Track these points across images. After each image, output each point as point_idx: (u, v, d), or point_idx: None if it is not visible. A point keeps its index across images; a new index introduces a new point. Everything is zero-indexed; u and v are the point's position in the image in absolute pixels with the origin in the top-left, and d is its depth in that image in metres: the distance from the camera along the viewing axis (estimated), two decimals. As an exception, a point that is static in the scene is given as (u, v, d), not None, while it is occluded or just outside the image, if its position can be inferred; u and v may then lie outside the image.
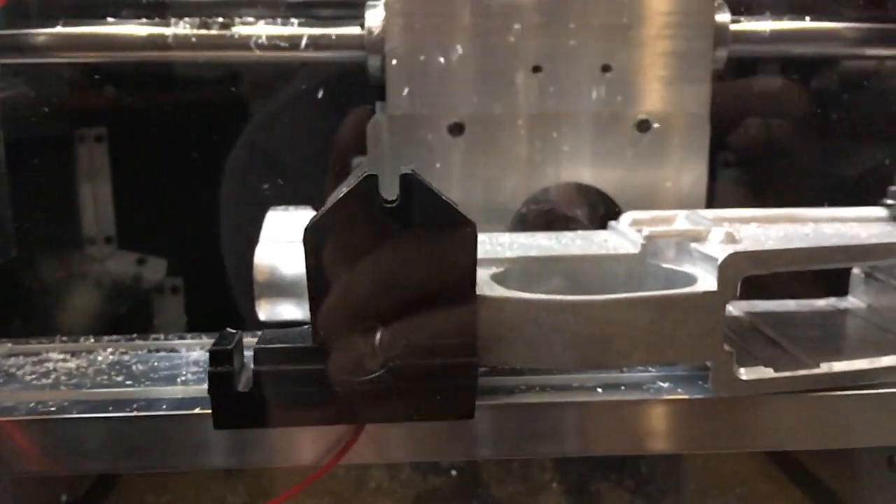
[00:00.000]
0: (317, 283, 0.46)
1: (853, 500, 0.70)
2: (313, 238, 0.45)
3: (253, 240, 0.54)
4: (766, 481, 0.79)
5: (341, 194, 0.45)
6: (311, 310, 0.46)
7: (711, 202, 0.71)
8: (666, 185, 0.70)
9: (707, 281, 0.50)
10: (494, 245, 0.59)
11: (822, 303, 0.67)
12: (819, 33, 0.74)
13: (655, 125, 0.68)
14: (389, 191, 0.45)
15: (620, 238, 0.60)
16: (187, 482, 0.81)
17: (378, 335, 0.46)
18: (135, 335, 0.63)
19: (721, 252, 0.50)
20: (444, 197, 0.45)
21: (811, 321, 0.63)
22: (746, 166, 0.92)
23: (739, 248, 0.50)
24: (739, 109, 0.86)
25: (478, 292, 0.47)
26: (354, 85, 0.74)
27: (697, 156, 0.69)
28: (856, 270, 0.67)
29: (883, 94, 0.84)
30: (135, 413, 0.49)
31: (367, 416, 0.48)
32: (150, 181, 0.94)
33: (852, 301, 0.67)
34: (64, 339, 0.62)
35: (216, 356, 0.46)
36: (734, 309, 0.65)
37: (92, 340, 0.62)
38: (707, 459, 0.84)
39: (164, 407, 0.50)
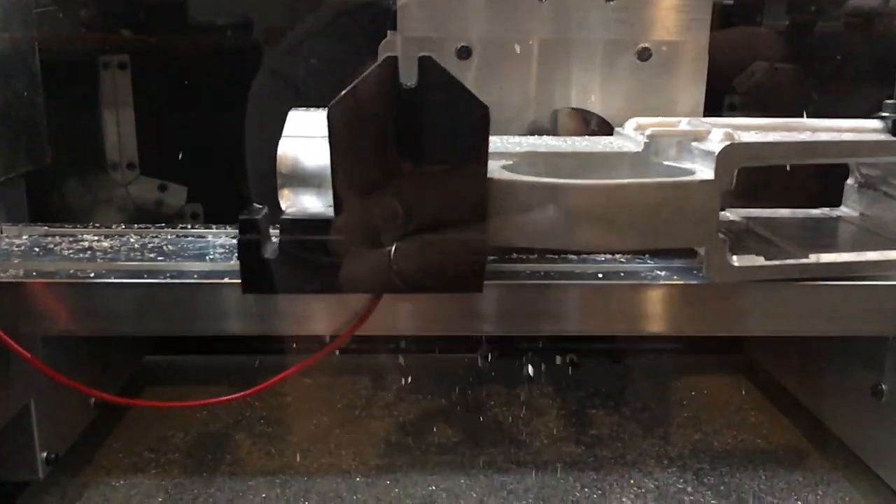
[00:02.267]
0: (339, 159, 0.49)
1: (839, 429, 0.74)
2: (336, 115, 0.48)
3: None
4: (756, 411, 0.83)
5: (362, 76, 0.48)
6: (333, 184, 0.50)
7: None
8: (665, 112, 0.71)
9: (705, 172, 0.53)
10: (505, 143, 0.62)
11: (816, 211, 0.70)
12: None
13: (656, 53, 0.70)
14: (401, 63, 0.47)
15: (624, 140, 0.63)
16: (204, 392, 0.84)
17: (394, 210, 0.50)
18: (164, 224, 0.67)
19: (719, 146, 0.53)
20: (460, 81, 0.48)
21: (804, 225, 0.67)
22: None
23: (736, 141, 0.53)
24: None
25: (488, 175, 0.51)
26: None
27: (696, 85, 0.71)
28: (849, 181, 0.70)
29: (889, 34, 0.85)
30: (168, 280, 0.53)
31: (384, 287, 0.52)
32: (172, 109, 0.97)
33: (845, 210, 0.70)
34: (97, 225, 0.66)
35: (245, 225, 0.50)
36: (731, 214, 0.69)
37: (123, 226, 0.66)
38: (700, 389, 0.88)
39: (196, 276, 0.54)
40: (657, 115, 0.65)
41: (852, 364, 0.70)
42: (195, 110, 0.95)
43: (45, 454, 0.64)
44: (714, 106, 0.72)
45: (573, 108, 0.73)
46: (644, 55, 0.70)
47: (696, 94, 0.68)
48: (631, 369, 0.94)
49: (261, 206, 0.52)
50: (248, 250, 0.50)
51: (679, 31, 0.69)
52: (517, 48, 0.69)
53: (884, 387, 0.66)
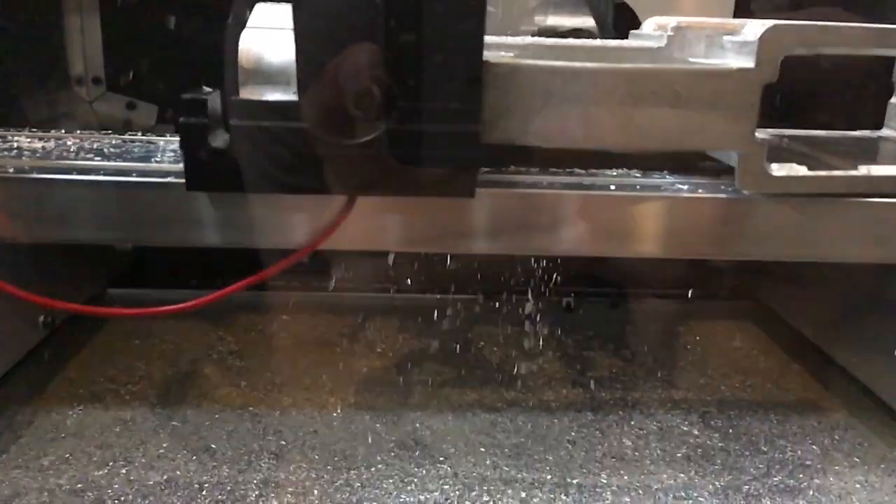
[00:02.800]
0: (303, 30, 0.40)
1: (858, 371, 0.67)
2: (302, -27, 0.39)
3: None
4: (766, 356, 0.76)
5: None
6: (296, 60, 0.41)
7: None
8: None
9: (743, 62, 0.45)
10: (503, 39, 0.53)
11: (856, 133, 0.62)
12: None
13: None
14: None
15: (643, 40, 0.54)
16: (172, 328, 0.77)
17: (370, 94, 0.41)
18: (109, 130, 0.58)
19: (757, 33, 0.44)
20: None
21: (845, 143, 0.58)
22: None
23: (781, 23, 0.44)
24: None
25: (485, 59, 0.42)
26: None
27: None
28: (893, 100, 0.61)
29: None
30: (101, 177, 0.45)
31: (358, 188, 0.43)
32: (143, 20, 0.88)
33: (888, 132, 0.61)
34: (34, 129, 0.57)
35: (190, 106, 0.41)
36: (760, 133, 0.60)
37: (64, 132, 0.57)
38: (705, 333, 0.81)
39: (134, 174, 0.45)
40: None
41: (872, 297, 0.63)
42: (168, 21, 0.86)
43: None
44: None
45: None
46: None
47: None
48: (631, 314, 0.87)
49: (211, 90, 0.43)
50: (194, 137, 0.41)
51: None
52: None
53: None
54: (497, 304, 0.78)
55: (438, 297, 0.82)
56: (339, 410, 0.63)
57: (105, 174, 0.45)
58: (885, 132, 0.62)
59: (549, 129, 0.44)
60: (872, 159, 0.56)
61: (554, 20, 0.69)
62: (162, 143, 0.56)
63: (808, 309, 0.77)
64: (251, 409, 0.63)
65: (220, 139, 0.42)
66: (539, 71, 0.43)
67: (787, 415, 0.65)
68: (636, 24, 0.62)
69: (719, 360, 0.76)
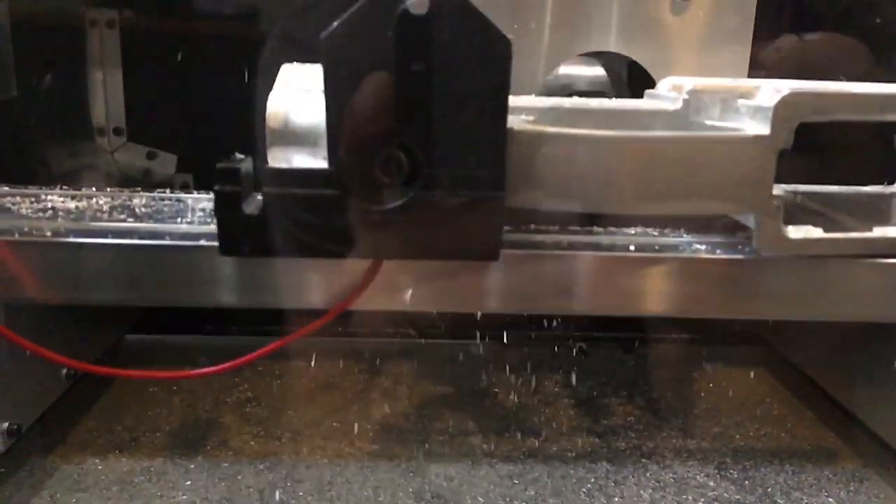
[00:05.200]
0: (334, 101, 0.42)
1: (870, 419, 0.67)
2: (332, 48, 0.41)
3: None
4: (779, 403, 0.76)
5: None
6: (327, 130, 0.42)
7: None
8: (707, 60, 0.65)
9: (759, 129, 0.46)
10: (523, 100, 0.55)
11: (868, 188, 0.63)
12: None
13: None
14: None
15: (659, 100, 0.55)
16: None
17: (398, 162, 0.43)
18: (139, 188, 0.60)
19: (773, 100, 0.45)
20: (479, 9, 0.41)
21: (859, 200, 0.59)
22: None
23: (796, 89, 0.46)
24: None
25: (508, 126, 0.44)
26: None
27: (740, 40, 0.64)
28: (907, 155, 0.62)
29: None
30: (135, 241, 0.46)
31: (385, 252, 0.44)
32: (163, 73, 0.91)
33: (902, 187, 0.62)
34: (65, 187, 0.59)
35: (224, 174, 0.42)
36: (776, 188, 0.61)
37: (94, 189, 0.59)
38: (719, 381, 0.82)
39: (167, 237, 0.47)
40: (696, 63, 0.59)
41: (884, 350, 0.63)
42: (188, 73, 0.89)
43: (6, 424, 0.58)
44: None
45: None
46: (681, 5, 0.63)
47: (741, 49, 0.62)
48: (644, 359, 0.87)
49: (242, 156, 0.45)
50: (227, 204, 0.42)
51: None
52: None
53: None
54: (513, 350, 0.79)
55: (455, 342, 0.83)
56: (356, 460, 0.63)
57: (140, 237, 0.46)
58: (897, 188, 0.63)
59: (572, 194, 0.45)
60: (887, 218, 0.57)
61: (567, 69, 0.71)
62: (190, 201, 0.57)
63: (820, 356, 0.77)
64: (270, 458, 0.63)
65: (252, 205, 0.43)
66: (561, 138, 0.44)
67: (801, 465, 0.66)
68: (649, 83, 0.63)
69: (733, 407, 0.76)
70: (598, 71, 0.75)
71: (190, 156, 0.93)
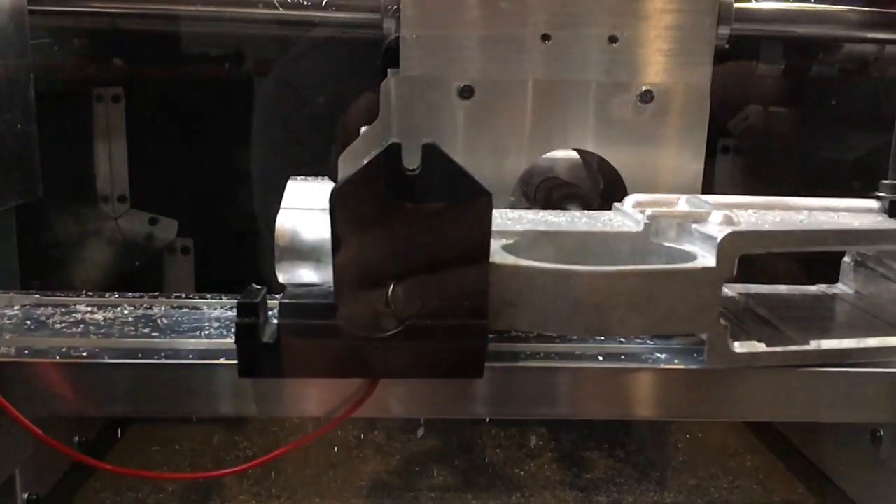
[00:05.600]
0: (340, 244, 0.48)
1: (837, 476, 0.73)
2: (337, 202, 0.48)
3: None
4: (752, 455, 0.82)
5: (367, 160, 0.48)
6: (334, 269, 0.49)
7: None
8: (666, 156, 0.72)
9: (706, 258, 0.53)
10: (505, 219, 0.61)
11: (813, 288, 0.70)
12: (820, 15, 0.77)
13: (658, 96, 0.70)
14: (404, 148, 0.47)
15: (624, 218, 0.62)
16: (190, 433, 0.83)
17: (395, 295, 0.49)
18: (158, 293, 0.66)
19: (720, 231, 0.53)
20: (463, 168, 0.48)
21: (802, 304, 0.66)
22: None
23: (738, 228, 0.53)
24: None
25: (490, 260, 0.50)
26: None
27: (698, 127, 0.71)
28: (846, 259, 0.70)
29: (883, 79, 0.85)
30: (163, 360, 0.52)
31: (383, 372, 0.51)
32: (165, 143, 0.97)
33: (842, 288, 0.70)
34: (90, 293, 0.65)
35: (244, 309, 0.49)
36: (729, 290, 0.69)
37: (117, 296, 0.65)
38: (695, 433, 0.87)
39: (191, 356, 0.53)
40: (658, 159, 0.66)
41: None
42: (188, 144, 0.95)
43: (26, 495, 0.63)
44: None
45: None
46: (646, 97, 0.70)
47: (699, 137, 0.69)
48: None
49: (259, 288, 0.51)
50: (246, 334, 0.49)
51: (680, 74, 0.70)
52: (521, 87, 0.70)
53: (882, 433, 0.65)
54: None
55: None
56: None
57: (166, 356, 0.53)
58: (839, 288, 0.70)
59: (545, 319, 0.52)
60: (828, 322, 0.64)
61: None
62: (206, 309, 0.64)
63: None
64: None
65: (268, 333, 0.50)
66: (535, 272, 0.51)
67: None
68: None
69: (709, 459, 0.82)
70: (574, 156, 0.82)
71: (190, 221, 0.99)
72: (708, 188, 0.71)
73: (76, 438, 0.73)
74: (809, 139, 0.93)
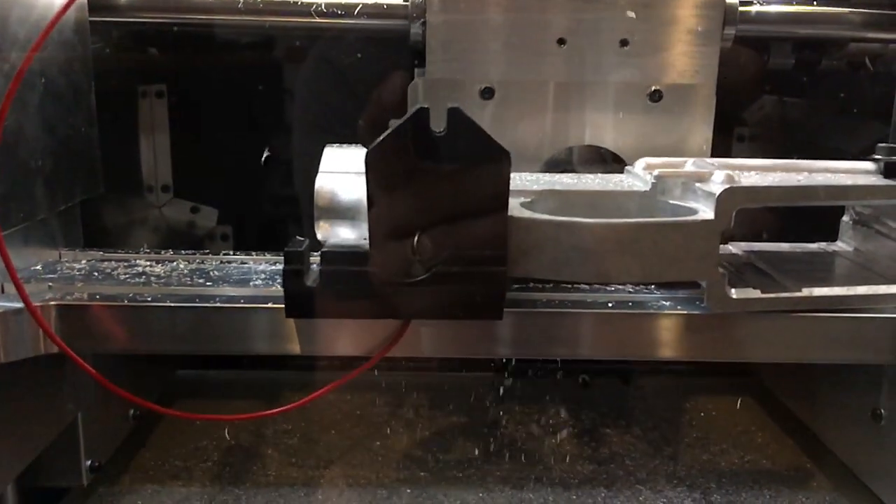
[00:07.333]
0: (375, 199, 0.55)
1: (840, 450, 0.78)
2: (373, 159, 0.54)
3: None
4: (763, 432, 0.87)
5: (397, 124, 0.54)
6: (369, 220, 0.55)
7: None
8: (674, 151, 0.76)
9: (706, 212, 0.58)
10: (524, 181, 0.67)
11: (813, 246, 0.75)
12: (823, 16, 0.81)
13: (667, 96, 0.75)
14: (432, 112, 0.53)
15: (634, 179, 0.68)
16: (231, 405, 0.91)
17: (424, 244, 0.55)
18: (208, 251, 0.73)
19: (719, 188, 0.58)
20: (484, 130, 0.54)
21: (801, 259, 0.72)
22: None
23: (735, 184, 0.58)
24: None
25: (509, 214, 0.56)
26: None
27: (704, 124, 0.76)
28: (845, 218, 0.75)
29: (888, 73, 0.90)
30: (218, 304, 0.59)
31: (413, 313, 0.57)
32: (205, 135, 1.02)
33: (840, 245, 0.75)
34: (147, 250, 0.72)
35: (290, 256, 0.55)
36: (733, 248, 0.74)
37: (171, 252, 0.72)
38: (709, 411, 0.92)
39: (242, 301, 0.60)
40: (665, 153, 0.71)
41: (853, 388, 0.74)
42: (227, 136, 1.00)
43: (89, 462, 0.70)
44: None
45: (589, 145, 0.78)
46: (655, 97, 0.75)
47: (705, 133, 0.74)
48: (641, 389, 0.98)
49: (303, 239, 0.58)
50: (293, 279, 0.55)
51: (688, 75, 0.75)
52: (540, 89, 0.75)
53: (882, 411, 0.70)
54: (519, 382, 0.91)
55: (468, 374, 0.95)
56: (382, 487, 0.75)
57: (220, 301, 0.60)
58: (838, 245, 0.75)
59: (558, 267, 0.57)
60: (825, 274, 0.69)
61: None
62: (251, 263, 0.70)
63: (794, 385, 0.89)
64: (307, 486, 0.74)
65: (311, 278, 0.56)
66: (549, 224, 0.57)
67: (779, 490, 0.75)
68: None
69: (720, 435, 0.87)
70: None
71: (230, 209, 1.05)
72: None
73: (131, 412, 0.80)
74: (820, 128, 0.97)
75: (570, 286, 0.65)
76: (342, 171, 0.63)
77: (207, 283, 0.64)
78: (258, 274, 0.67)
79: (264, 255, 0.73)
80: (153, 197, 1.02)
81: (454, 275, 0.56)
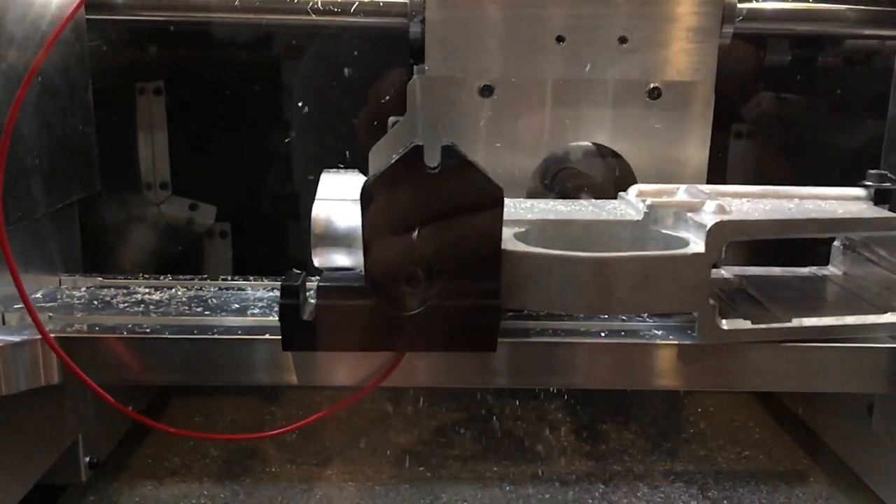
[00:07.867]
0: (371, 233, 0.55)
1: (836, 444, 0.80)
2: (368, 195, 0.54)
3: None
4: (761, 428, 0.88)
5: (392, 160, 0.54)
6: (364, 256, 0.56)
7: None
8: (673, 147, 0.78)
9: (697, 244, 0.59)
10: (518, 209, 0.68)
11: (804, 270, 0.76)
12: (820, 13, 0.82)
13: (665, 93, 0.76)
14: (426, 149, 0.54)
15: (627, 206, 0.69)
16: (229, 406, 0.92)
17: (419, 279, 0.56)
18: (206, 276, 0.73)
19: (710, 220, 0.59)
20: (478, 166, 0.54)
21: (791, 285, 0.72)
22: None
23: (726, 217, 0.59)
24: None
25: (502, 247, 0.57)
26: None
27: (703, 120, 0.77)
28: (836, 243, 0.76)
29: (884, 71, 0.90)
30: (215, 336, 0.60)
31: (408, 346, 0.58)
32: (203, 132, 1.03)
33: (831, 269, 0.76)
34: (146, 276, 0.73)
35: (287, 290, 0.56)
36: (725, 272, 0.75)
37: (170, 278, 0.73)
38: (707, 407, 0.93)
39: (239, 332, 0.60)
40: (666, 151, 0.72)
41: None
42: (225, 133, 1.01)
43: (87, 459, 0.71)
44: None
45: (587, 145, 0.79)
46: (654, 94, 0.76)
47: (703, 129, 0.76)
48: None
49: (299, 272, 0.58)
50: (289, 314, 0.56)
51: (686, 72, 0.76)
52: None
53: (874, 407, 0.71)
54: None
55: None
56: (380, 483, 0.76)
57: (218, 332, 0.60)
58: (829, 269, 0.76)
59: (552, 299, 0.58)
60: (815, 301, 0.70)
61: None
62: (249, 290, 0.71)
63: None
64: (306, 482, 0.76)
65: (307, 311, 0.57)
66: (542, 258, 0.57)
67: (776, 486, 0.77)
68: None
69: (718, 431, 0.88)
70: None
71: (228, 207, 1.05)
72: (724, 168, 0.76)
73: (131, 408, 0.81)
74: (816, 125, 0.98)
75: (563, 315, 0.66)
76: (338, 199, 0.64)
77: (206, 312, 0.65)
78: (256, 302, 0.68)
79: (262, 281, 0.73)
80: (151, 194, 1.02)
81: (448, 308, 0.56)
